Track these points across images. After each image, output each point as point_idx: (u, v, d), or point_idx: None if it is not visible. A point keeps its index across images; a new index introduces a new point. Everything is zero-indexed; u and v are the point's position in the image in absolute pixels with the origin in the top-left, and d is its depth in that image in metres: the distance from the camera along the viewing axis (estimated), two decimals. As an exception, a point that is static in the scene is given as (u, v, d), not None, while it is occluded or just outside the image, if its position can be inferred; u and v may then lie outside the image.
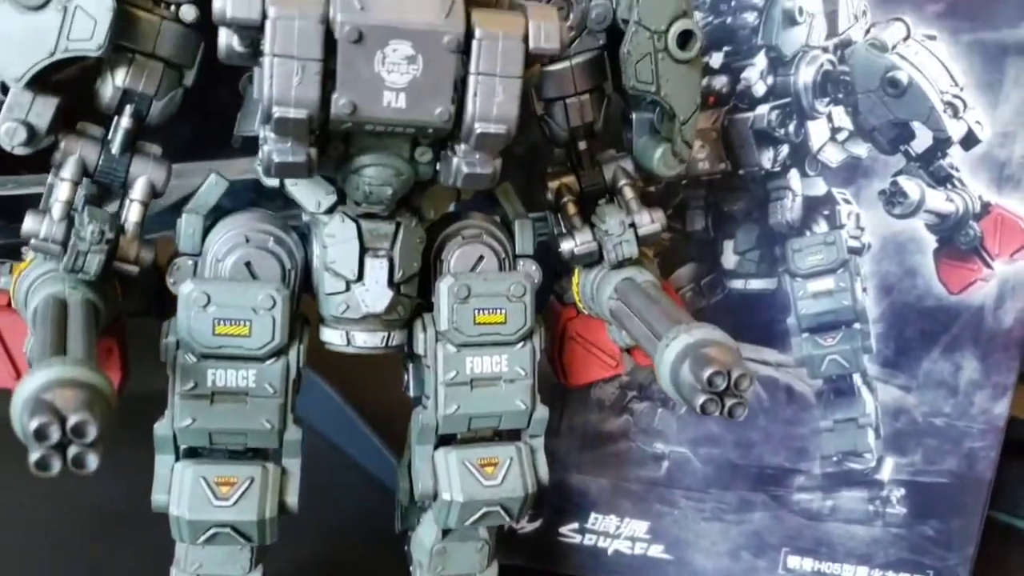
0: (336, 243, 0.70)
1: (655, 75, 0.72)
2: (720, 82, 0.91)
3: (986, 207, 0.90)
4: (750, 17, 0.90)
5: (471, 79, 0.61)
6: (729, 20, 0.90)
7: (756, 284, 0.94)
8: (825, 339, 0.94)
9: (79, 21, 0.62)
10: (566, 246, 0.76)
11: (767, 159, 0.92)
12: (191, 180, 1.11)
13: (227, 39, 0.61)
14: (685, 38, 0.72)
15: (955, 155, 0.90)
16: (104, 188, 0.69)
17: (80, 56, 0.63)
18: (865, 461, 0.96)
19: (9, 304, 0.72)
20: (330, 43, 0.59)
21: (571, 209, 0.77)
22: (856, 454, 0.96)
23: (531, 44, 0.61)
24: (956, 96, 0.89)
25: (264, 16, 0.57)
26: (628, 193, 0.77)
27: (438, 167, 0.68)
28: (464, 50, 0.60)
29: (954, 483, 0.95)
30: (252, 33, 0.59)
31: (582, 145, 0.78)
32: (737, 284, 0.95)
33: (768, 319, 0.95)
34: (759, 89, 0.91)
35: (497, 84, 0.61)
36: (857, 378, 0.95)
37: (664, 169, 0.76)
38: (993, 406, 0.94)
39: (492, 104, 0.61)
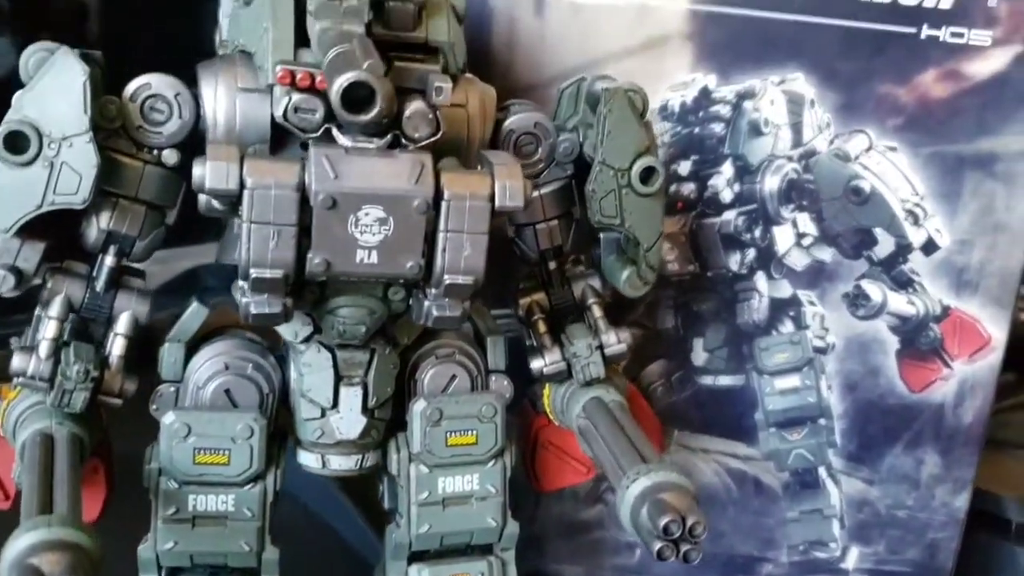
0: (312, 372, 0.73)
1: (619, 209, 0.75)
2: (688, 188, 0.93)
3: (946, 310, 0.93)
4: (717, 127, 0.93)
5: (440, 235, 0.64)
6: (697, 130, 0.93)
7: (725, 380, 0.97)
8: (791, 434, 0.97)
9: (65, 176, 0.65)
10: (536, 365, 0.79)
11: (734, 262, 0.95)
12: (180, 263, 1.14)
13: (206, 199, 0.64)
14: (648, 173, 0.75)
15: (916, 261, 0.93)
16: (89, 321, 0.72)
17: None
18: (830, 550, 0.99)
19: (-2, 430, 0.74)
20: (305, 207, 0.62)
21: (541, 327, 0.80)
22: (822, 543, 0.99)
23: (497, 203, 0.64)
24: (917, 205, 0.92)
25: (242, 186, 0.60)
26: (596, 312, 0.80)
27: (411, 302, 0.71)
28: (433, 207, 0.63)
29: (916, 572, 0.99)
30: (230, 199, 0.61)
31: (552, 265, 0.81)
32: (707, 380, 0.97)
33: (737, 414, 0.98)
34: (726, 196, 0.94)
35: (465, 240, 0.64)
36: (822, 471, 0.98)
37: (630, 291, 0.79)
38: (954, 499, 0.97)
39: (460, 258, 0.64)
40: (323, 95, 0.64)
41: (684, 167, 0.93)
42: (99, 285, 0.71)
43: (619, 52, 0.92)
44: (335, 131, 0.65)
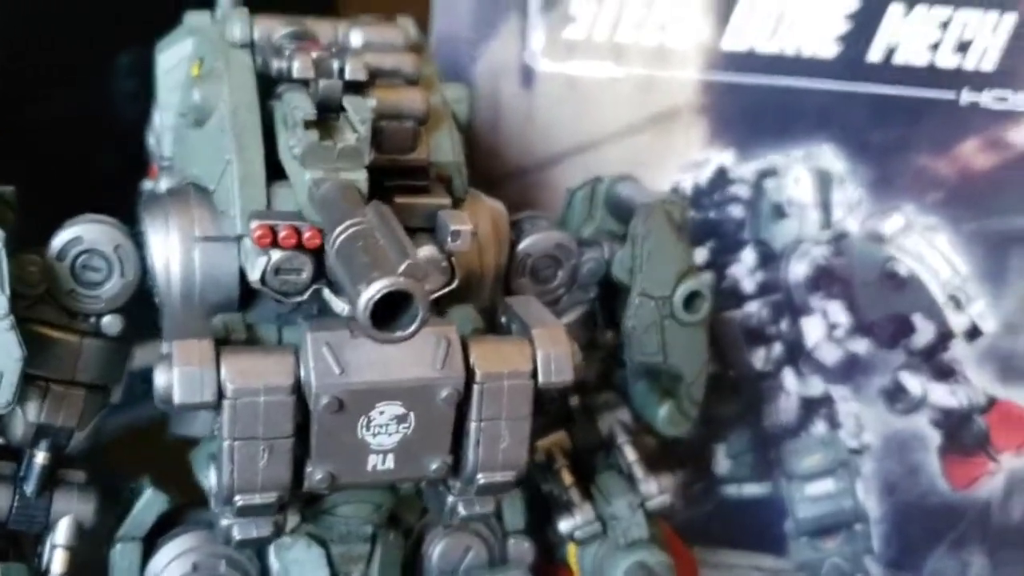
0: (302, 569, 0.60)
1: (661, 344, 0.63)
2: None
3: (991, 401, 0.84)
4: (736, 211, 0.82)
5: (472, 425, 0.51)
6: (713, 214, 0.82)
7: (751, 489, 0.87)
8: (825, 542, 0.88)
9: (-23, 375, 0.50)
10: (565, 526, 0.67)
11: (759, 359, 0.85)
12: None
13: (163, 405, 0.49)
14: (692, 299, 0.63)
15: (958, 348, 0.83)
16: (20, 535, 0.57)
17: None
18: (871, 666, 0.90)
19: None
20: (302, 410, 0.48)
21: (567, 479, 0.68)
22: (861, 657, 0.90)
23: (541, 379, 0.51)
24: (959, 288, 0.82)
25: (221, 395, 0.46)
26: (630, 455, 0.68)
27: (421, 487, 0.58)
28: (464, 395, 0.50)
29: None
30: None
31: (574, 400, 0.69)
32: (731, 490, 0.87)
33: (764, 524, 0.88)
34: (748, 285, 0.83)
35: (503, 428, 0.51)
36: (860, 580, 0.88)
37: (671, 430, 0.68)
38: (1003, 603, 0.89)
39: (497, 451, 0.52)
40: (311, 252, 0.51)
41: (700, 255, 0.82)
42: (29, 488, 0.56)
43: (621, 130, 0.81)
44: (326, 292, 0.52)
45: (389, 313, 0.40)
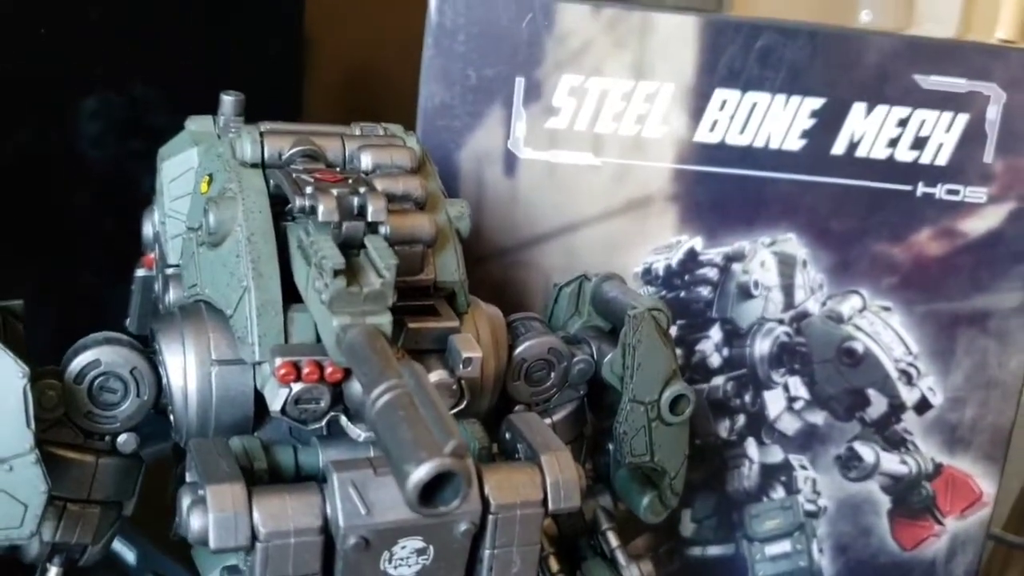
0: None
1: (649, 445, 0.67)
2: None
3: (938, 468, 0.90)
4: (705, 291, 0.85)
5: (486, 553, 0.54)
6: (683, 294, 0.85)
7: (714, 550, 0.92)
8: (783, 599, 0.93)
9: (3, 507, 0.51)
10: (554, 613, 0.70)
11: (724, 429, 0.89)
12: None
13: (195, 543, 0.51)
14: (677, 402, 0.67)
15: (909, 420, 0.89)
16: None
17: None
18: None
19: None
20: (327, 545, 0.50)
21: (554, 567, 0.70)
22: None
23: (551, 506, 0.54)
24: (911, 364, 0.88)
25: (254, 538, 0.48)
26: (613, 541, 0.72)
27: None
28: (479, 524, 0.53)
29: None
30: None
31: (560, 489, 0.72)
32: (695, 551, 0.91)
33: (726, 583, 0.92)
34: (715, 361, 0.87)
35: (515, 555, 0.54)
36: (815, 634, 0.94)
37: (652, 517, 0.71)
38: (945, 653, 0.95)
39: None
40: (331, 385, 0.53)
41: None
42: (41, 603, 0.58)
43: (599, 214, 0.84)
44: (343, 420, 0.55)
45: (432, 488, 0.42)
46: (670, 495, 0.71)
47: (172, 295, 0.62)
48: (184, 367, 0.56)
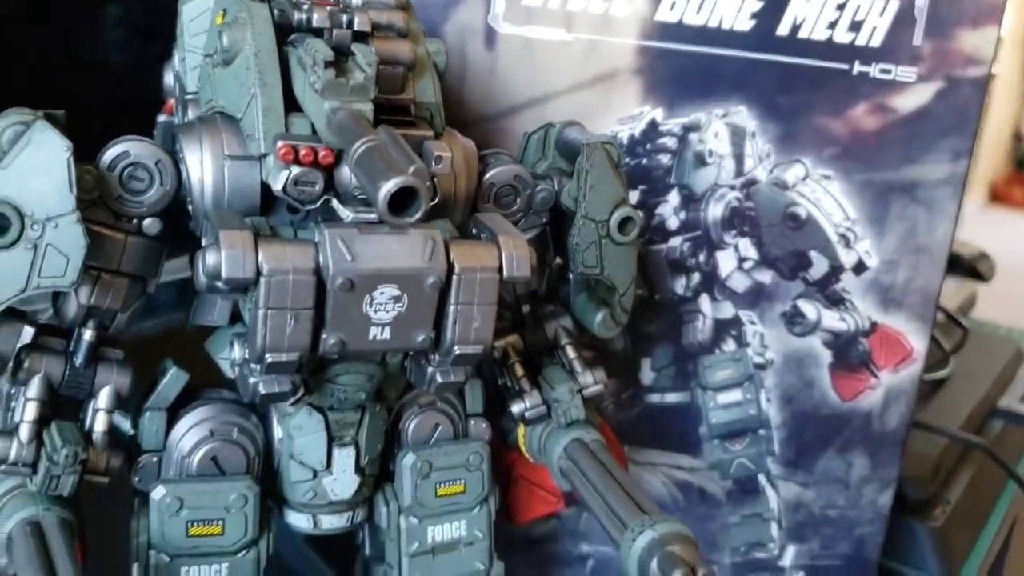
0: (303, 434, 0.73)
1: (599, 259, 0.77)
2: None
3: (873, 326, 1.00)
4: (664, 159, 0.95)
5: (450, 308, 0.64)
6: (645, 161, 0.95)
7: (671, 397, 1.02)
8: (733, 444, 1.03)
9: (50, 259, 0.62)
10: (517, 408, 0.80)
11: (680, 286, 0.99)
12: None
13: (207, 280, 0.62)
14: (625, 223, 0.77)
15: (847, 281, 0.99)
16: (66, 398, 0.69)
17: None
18: (769, 550, 1.05)
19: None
20: (320, 290, 0.61)
21: (519, 371, 0.81)
22: (761, 544, 1.05)
23: (505, 274, 0.65)
24: (849, 229, 0.97)
25: (258, 273, 0.59)
26: (571, 353, 0.82)
27: (406, 364, 0.71)
28: (445, 284, 0.63)
29: (846, 565, 1.06)
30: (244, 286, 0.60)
31: (526, 308, 0.83)
32: (654, 398, 1.01)
33: (682, 428, 1.02)
34: (672, 223, 0.97)
35: (475, 311, 0.65)
36: (762, 478, 1.04)
37: (604, 332, 0.81)
38: (879, 497, 1.05)
39: (470, 329, 0.65)
40: (324, 168, 0.64)
41: (632, 197, 0.96)
42: (78, 361, 0.68)
43: (570, 86, 0.93)
44: (334, 202, 0.65)
45: (399, 205, 0.53)
46: (620, 311, 0.81)
47: (190, 114, 0.73)
48: (201, 161, 0.66)
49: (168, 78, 0.81)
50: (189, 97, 0.74)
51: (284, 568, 1.13)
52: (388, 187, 0.51)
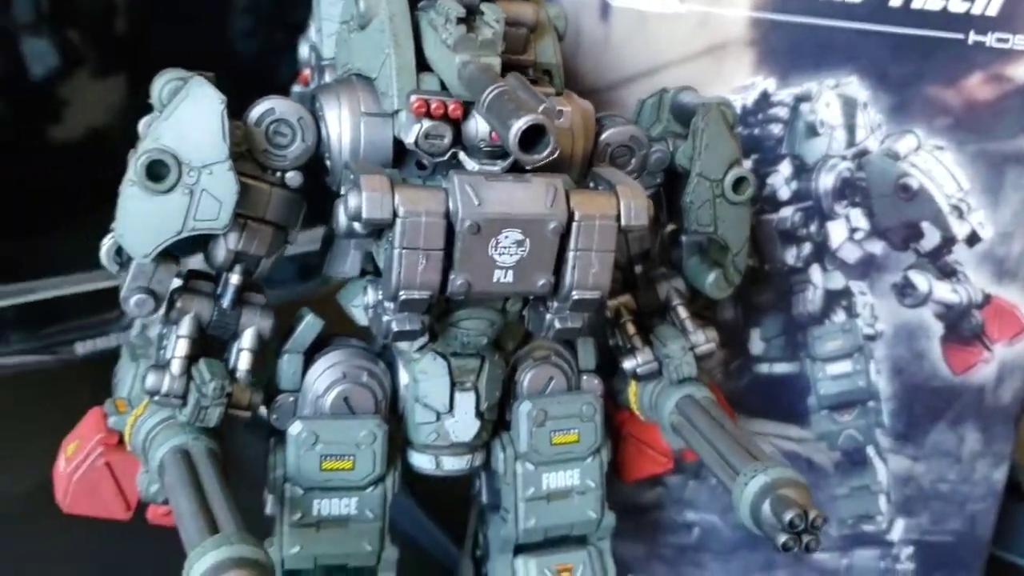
0: (428, 379, 0.77)
1: (713, 218, 0.79)
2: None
3: (987, 298, 1.00)
4: (776, 129, 0.97)
5: (570, 254, 0.68)
6: (757, 131, 0.97)
7: (780, 367, 1.03)
8: (842, 416, 1.03)
9: (205, 203, 0.67)
10: (628, 364, 0.83)
11: (791, 256, 1.00)
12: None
13: (347, 223, 0.66)
14: (739, 183, 0.79)
15: (960, 252, 0.99)
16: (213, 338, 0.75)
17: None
18: (877, 523, 1.06)
19: (119, 442, 0.77)
20: (449, 232, 0.65)
21: (631, 329, 0.84)
22: (869, 517, 1.06)
23: (623, 222, 0.68)
24: (961, 200, 0.97)
25: (395, 215, 0.63)
26: (682, 313, 0.85)
27: (524, 312, 0.75)
28: (566, 229, 0.67)
29: (957, 541, 1.06)
30: (381, 226, 0.65)
31: (639, 268, 0.85)
32: (763, 368, 1.03)
33: (791, 399, 1.03)
34: (784, 193, 0.98)
35: (593, 257, 0.68)
36: (871, 450, 1.04)
37: (717, 293, 0.84)
38: (992, 472, 1.04)
39: (588, 275, 0.68)
40: (452, 122, 0.68)
41: (745, 166, 0.97)
42: (225, 303, 0.74)
43: (681, 58, 0.96)
44: (461, 155, 0.69)
45: (529, 143, 0.57)
46: (733, 272, 0.83)
47: (327, 78, 0.78)
48: (339, 118, 0.71)
49: (303, 50, 0.87)
50: (326, 63, 0.79)
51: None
52: (520, 124, 0.55)
